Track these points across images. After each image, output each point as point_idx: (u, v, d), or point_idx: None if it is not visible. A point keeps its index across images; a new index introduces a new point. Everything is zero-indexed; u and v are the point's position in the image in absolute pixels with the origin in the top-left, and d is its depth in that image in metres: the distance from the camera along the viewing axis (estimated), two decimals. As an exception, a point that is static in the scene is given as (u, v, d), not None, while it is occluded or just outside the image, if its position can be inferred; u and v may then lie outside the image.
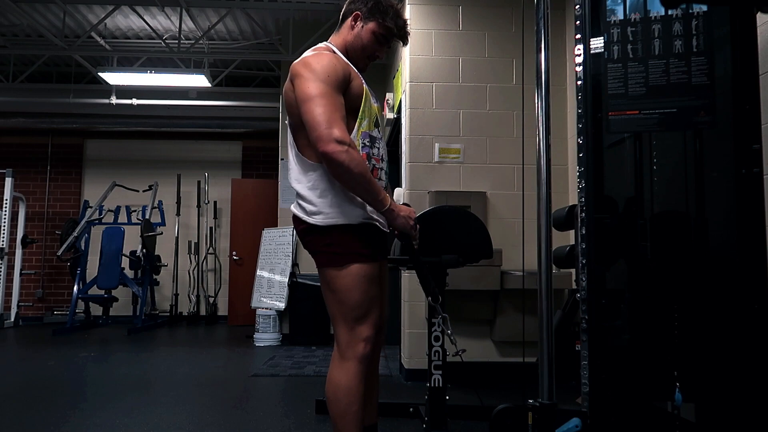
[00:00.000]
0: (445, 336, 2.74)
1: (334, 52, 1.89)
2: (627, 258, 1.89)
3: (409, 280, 4.00)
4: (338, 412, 1.78)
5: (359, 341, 1.80)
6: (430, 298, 2.03)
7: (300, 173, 1.85)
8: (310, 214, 1.82)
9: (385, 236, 1.93)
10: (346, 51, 1.93)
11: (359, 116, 1.83)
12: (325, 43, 1.95)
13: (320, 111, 1.69)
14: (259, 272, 6.40)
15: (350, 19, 1.93)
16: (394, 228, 1.87)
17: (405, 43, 2.02)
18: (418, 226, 1.90)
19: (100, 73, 6.53)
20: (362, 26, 1.91)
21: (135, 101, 7.21)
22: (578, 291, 1.87)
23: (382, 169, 1.90)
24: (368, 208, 1.82)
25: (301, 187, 1.84)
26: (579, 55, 1.87)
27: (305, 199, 1.83)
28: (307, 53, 1.86)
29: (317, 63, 1.78)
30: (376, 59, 1.98)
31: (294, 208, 1.88)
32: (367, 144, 1.85)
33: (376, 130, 1.90)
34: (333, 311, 1.84)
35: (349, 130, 1.80)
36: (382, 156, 1.92)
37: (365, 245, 1.81)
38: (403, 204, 1.91)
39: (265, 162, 8.44)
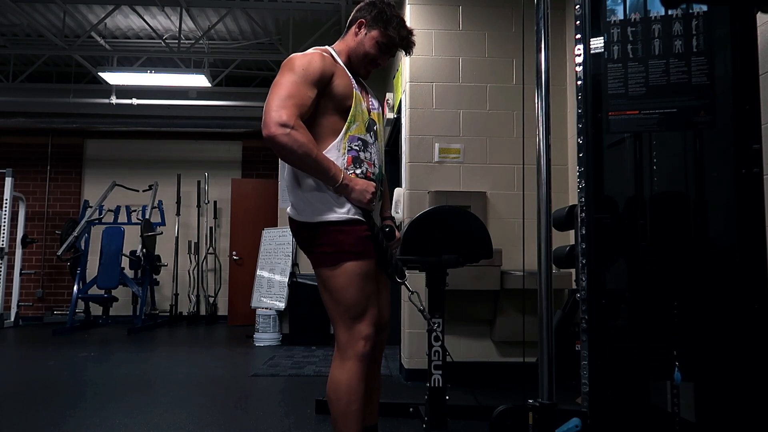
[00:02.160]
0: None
1: (331, 56, 1.90)
2: (627, 258, 1.89)
3: (409, 280, 3.99)
4: (339, 411, 1.78)
5: (358, 340, 1.80)
6: (396, 276, 1.97)
7: (290, 170, 1.87)
8: (299, 211, 1.84)
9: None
10: (348, 57, 1.95)
11: (348, 119, 1.84)
12: (326, 46, 1.96)
13: (274, 96, 1.73)
14: (259, 272, 6.40)
15: (355, 26, 1.95)
16: (349, 201, 1.80)
17: (408, 53, 2.02)
18: (375, 195, 1.84)
19: (100, 73, 6.53)
20: (365, 33, 1.93)
21: (135, 101, 7.21)
22: (578, 291, 1.87)
23: (375, 173, 1.90)
24: (351, 208, 1.82)
25: (290, 184, 1.87)
26: (579, 55, 1.87)
27: (294, 195, 1.86)
28: None
29: (297, 59, 1.81)
30: (377, 67, 1.99)
31: (287, 208, 1.91)
32: (355, 148, 1.84)
33: (370, 134, 1.90)
34: (331, 311, 1.85)
35: (337, 131, 1.83)
36: (374, 161, 1.91)
37: (357, 243, 1.81)
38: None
39: (265, 162, 8.45)
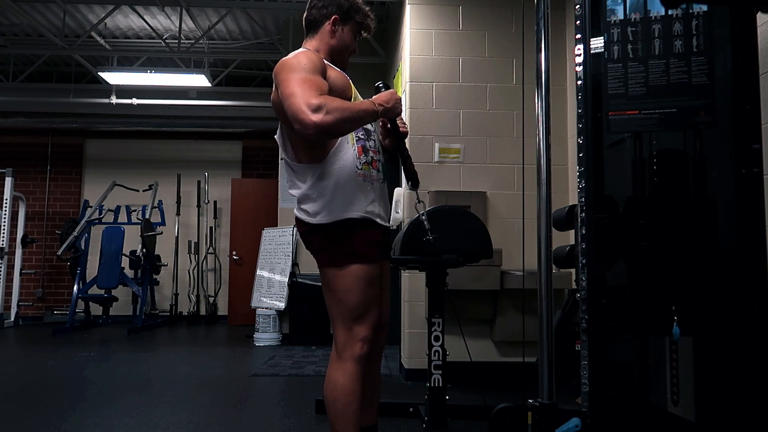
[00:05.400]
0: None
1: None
2: (627, 258, 1.89)
3: (408, 279, 4.00)
4: (336, 411, 1.79)
5: (356, 341, 1.81)
6: (410, 183, 1.99)
7: (297, 177, 1.87)
8: (311, 214, 1.84)
9: (386, 232, 1.94)
10: (331, 56, 1.96)
11: None
12: (302, 48, 1.96)
13: (291, 94, 1.67)
14: (259, 272, 6.40)
15: (329, 24, 1.96)
16: (393, 116, 1.89)
17: (371, 33, 2.07)
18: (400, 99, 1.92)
19: (100, 73, 6.53)
20: (342, 29, 1.97)
21: (135, 101, 7.20)
22: (578, 291, 1.87)
23: (379, 161, 1.94)
24: (367, 203, 1.83)
25: (299, 191, 1.86)
26: (579, 55, 1.87)
27: (306, 199, 1.85)
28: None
29: (293, 59, 1.80)
30: (352, 54, 2.04)
31: (296, 211, 1.91)
32: (362, 137, 1.89)
33: (370, 123, 1.93)
34: (332, 311, 1.86)
35: None
36: (378, 148, 1.96)
37: (366, 246, 1.83)
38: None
39: (265, 162, 8.44)
